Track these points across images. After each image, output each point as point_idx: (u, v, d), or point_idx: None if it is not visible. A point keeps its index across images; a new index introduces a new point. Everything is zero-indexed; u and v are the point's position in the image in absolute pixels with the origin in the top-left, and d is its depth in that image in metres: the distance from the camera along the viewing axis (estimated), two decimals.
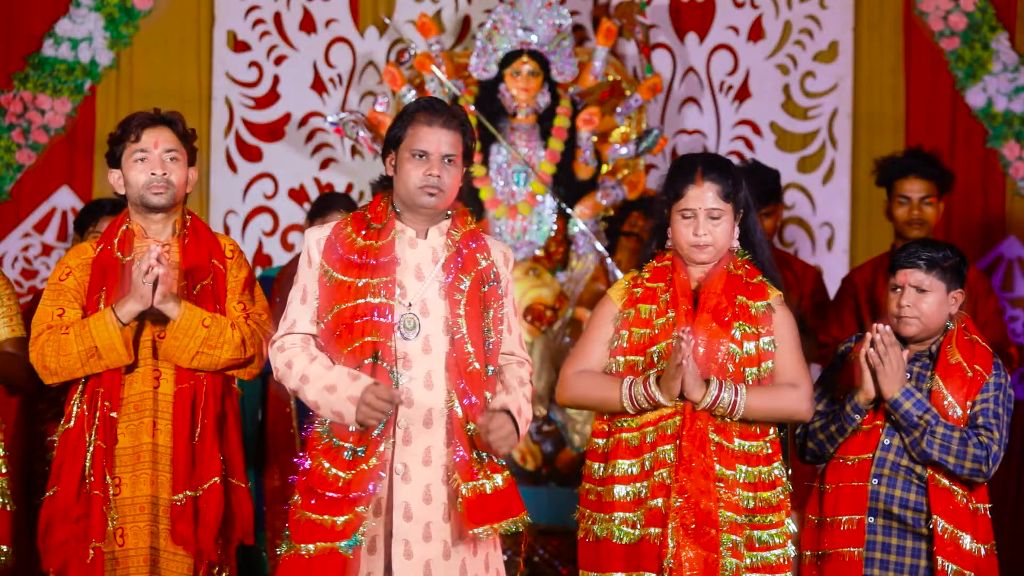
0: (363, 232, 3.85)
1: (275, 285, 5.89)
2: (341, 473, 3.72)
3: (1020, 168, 7.17)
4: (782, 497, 3.99)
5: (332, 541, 3.70)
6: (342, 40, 7.41)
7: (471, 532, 3.75)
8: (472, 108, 6.62)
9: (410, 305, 3.81)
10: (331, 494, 3.71)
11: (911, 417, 4.16)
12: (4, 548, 4.46)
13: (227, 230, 7.26)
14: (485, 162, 6.68)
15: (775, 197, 6.10)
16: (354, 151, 7.37)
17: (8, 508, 4.48)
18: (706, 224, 4.03)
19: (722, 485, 3.92)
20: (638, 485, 3.96)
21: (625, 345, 4.04)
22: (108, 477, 4.19)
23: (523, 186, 6.69)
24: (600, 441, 4.07)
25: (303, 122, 7.39)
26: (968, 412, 4.22)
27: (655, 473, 3.94)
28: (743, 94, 7.41)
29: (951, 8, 7.19)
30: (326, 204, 5.87)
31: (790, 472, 4.16)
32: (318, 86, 7.39)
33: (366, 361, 3.75)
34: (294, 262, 5.47)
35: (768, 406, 3.98)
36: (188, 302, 4.23)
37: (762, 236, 4.16)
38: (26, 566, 4.83)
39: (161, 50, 7.26)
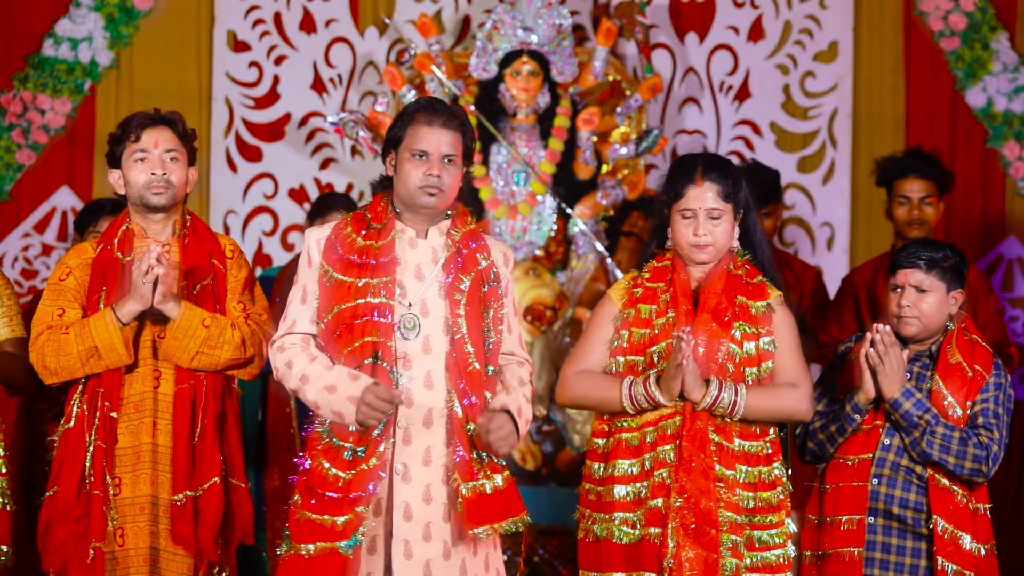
0: (363, 232, 3.85)
1: (275, 285, 5.89)
2: (341, 473, 3.72)
3: (1020, 168, 7.17)
4: (782, 497, 3.99)
5: (332, 541, 3.70)
6: (342, 40, 7.41)
7: (471, 532, 3.75)
8: (472, 108, 6.62)
9: (410, 305, 3.81)
10: (331, 494, 3.71)
11: (911, 417, 4.16)
12: (4, 548, 4.46)
13: (227, 230, 7.26)
14: (485, 162, 6.68)
15: (775, 197, 6.10)
16: (354, 151, 7.37)
17: (8, 508, 4.48)
18: (706, 224, 4.03)
19: (722, 485, 3.92)
20: (638, 485, 3.96)
21: (625, 345, 4.04)
22: (108, 477, 4.19)
23: (523, 186, 6.69)
24: (600, 441, 4.07)
25: (303, 122, 7.39)
26: (968, 412, 4.22)
27: (655, 473, 3.94)
28: (743, 94, 7.41)
29: (951, 8, 7.19)
30: (326, 204, 5.87)
31: (790, 472, 4.16)
32: (318, 86, 7.39)
33: (366, 361, 3.75)
34: (294, 262, 5.47)
35: (768, 406, 3.98)
36: (188, 302, 4.23)
37: (762, 236, 4.16)
38: (26, 566, 4.83)
39: (161, 50, 7.26)
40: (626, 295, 4.10)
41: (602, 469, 4.03)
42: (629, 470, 3.98)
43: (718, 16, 7.43)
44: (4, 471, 4.48)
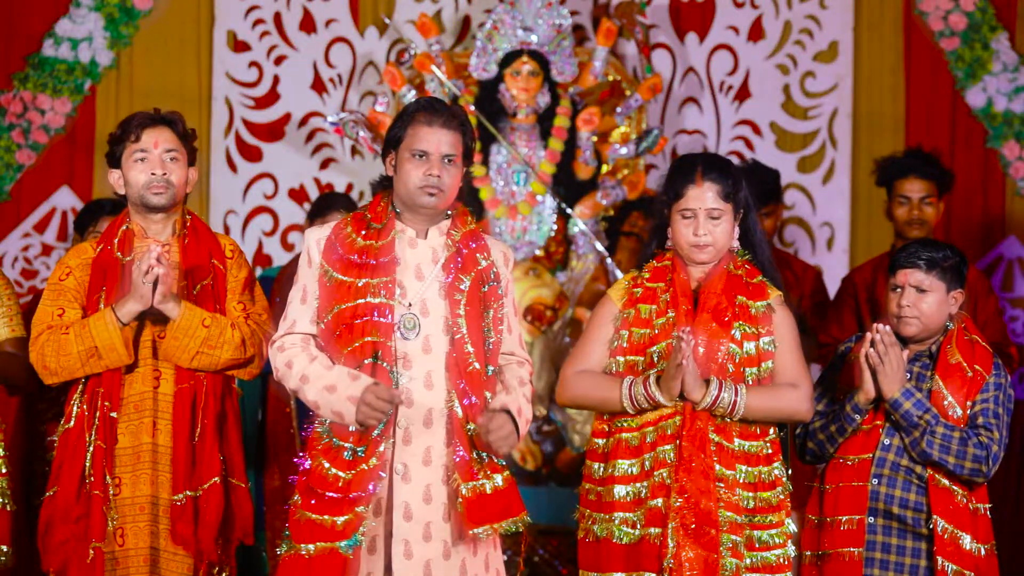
0: (363, 232, 3.85)
1: (275, 285, 5.89)
2: (341, 473, 3.72)
3: (1020, 168, 7.17)
4: (782, 497, 3.99)
5: (332, 541, 3.70)
6: (342, 40, 7.41)
7: (471, 532, 3.75)
8: (472, 108, 6.62)
9: (410, 305, 3.81)
10: (331, 494, 3.71)
11: (911, 417, 4.16)
12: (4, 548, 4.46)
13: (227, 230, 7.26)
14: (485, 162, 6.68)
15: (775, 197, 6.10)
16: (354, 151, 7.37)
17: (8, 508, 4.48)
18: (706, 224, 4.03)
19: (722, 485, 3.92)
20: (638, 485, 3.96)
21: (625, 345, 4.04)
22: (108, 477, 4.19)
23: (523, 186, 6.69)
24: (600, 441, 4.07)
25: (303, 122, 7.39)
26: (968, 412, 4.22)
27: (655, 473, 3.94)
28: (743, 94, 7.42)
29: (951, 8, 7.19)
30: (326, 204, 5.87)
31: (790, 472, 4.16)
32: (318, 86, 7.39)
33: (366, 361, 3.75)
34: (294, 262, 5.47)
35: (768, 406, 3.98)
36: (188, 302, 4.23)
37: (762, 236, 4.16)
38: (26, 566, 4.83)
39: (161, 50, 7.26)
40: (626, 295, 4.10)
41: (602, 469, 4.03)
42: (629, 470, 3.98)
43: (718, 16, 7.43)
44: (4, 471, 4.48)
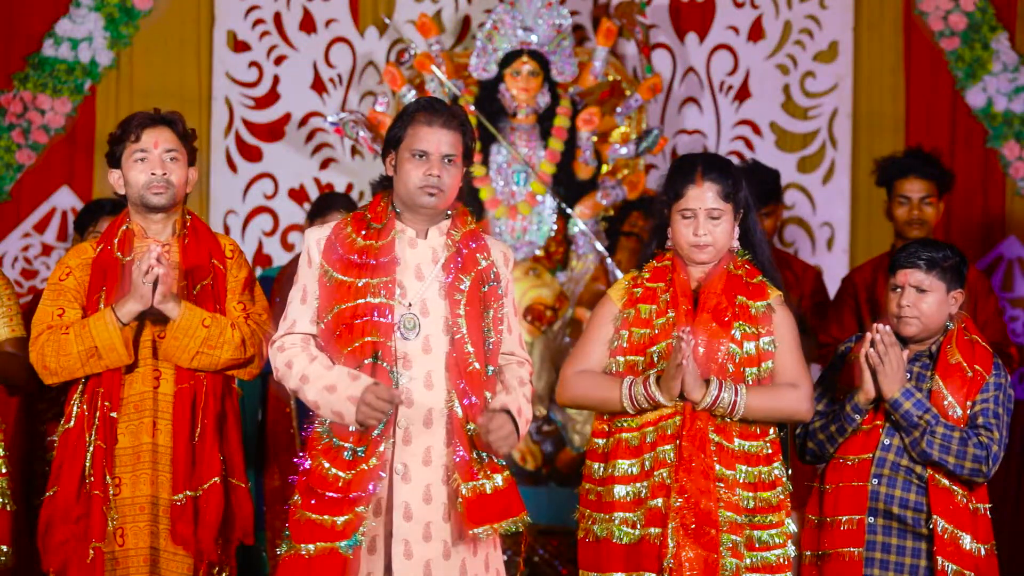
0: (363, 232, 3.85)
1: (275, 285, 5.89)
2: (341, 473, 3.72)
3: (1020, 168, 7.17)
4: (782, 497, 3.99)
5: (332, 541, 3.70)
6: (342, 40, 7.41)
7: (471, 532, 3.75)
8: (472, 108, 6.62)
9: (410, 305, 3.81)
10: (331, 494, 3.71)
11: (911, 417, 4.16)
12: (4, 548, 4.46)
13: (227, 230, 7.26)
14: (485, 162, 6.68)
15: (775, 197, 6.10)
16: (354, 151, 7.37)
17: (8, 508, 4.48)
18: (706, 224, 4.03)
19: (722, 485, 3.92)
20: (638, 485, 3.96)
21: (625, 345, 4.04)
22: (108, 477, 4.19)
23: (523, 186, 6.69)
24: (600, 441, 4.07)
25: (303, 122, 7.39)
26: (968, 412, 4.22)
27: (655, 473, 3.94)
28: (743, 94, 7.42)
29: (951, 8, 7.19)
30: (326, 204, 5.87)
31: (790, 472, 4.16)
32: (318, 86, 7.39)
33: (366, 361, 3.75)
34: (294, 262, 5.47)
35: (768, 406, 3.98)
36: (188, 302, 4.23)
37: (762, 236, 4.16)
38: (26, 566, 4.83)
39: (161, 50, 7.26)
40: (626, 295, 4.10)
41: (602, 469, 4.03)
42: (629, 470, 3.98)
43: (718, 16, 7.43)
44: (4, 471, 4.48)
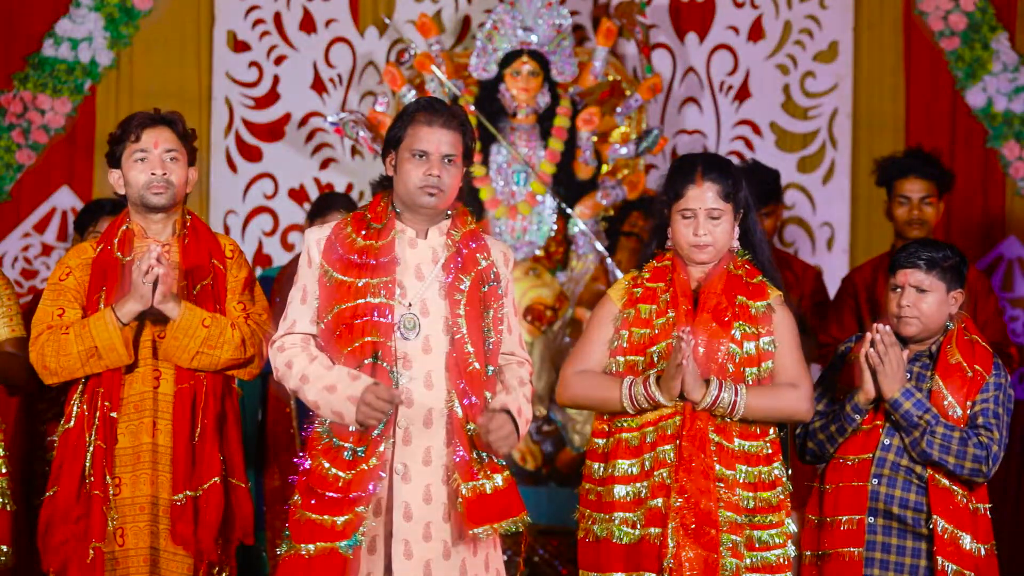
0: (363, 232, 3.85)
1: (275, 285, 5.89)
2: (341, 473, 3.72)
3: (1020, 168, 7.17)
4: (782, 497, 3.99)
5: (332, 541, 3.70)
6: (342, 40, 7.41)
7: (471, 532, 3.75)
8: (472, 108, 6.62)
9: (410, 305, 3.81)
10: (331, 494, 3.71)
11: (911, 417, 4.16)
12: (4, 548, 4.46)
13: (227, 230, 7.26)
14: (485, 162, 6.68)
15: (775, 197, 6.10)
16: (354, 151, 7.37)
17: (8, 508, 4.47)
18: (706, 224, 4.03)
19: (722, 485, 3.92)
20: (638, 485, 3.96)
21: (625, 345, 4.04)
22: (108, 477, 4.19)
23: (523, 186, 6.69)
24: (600, 441, 4.07)
25: (303, 122, 7.39)
26: (968, 412, 4.22)
27: (655, 473, 3.94)
28: (743, 94, 7.42)
29: (951, 8, 7.19)
30: (326, 204, 5.87)
31: (790, 472, 4.16)
32: (318, 86, 7.39)
33: (366, 361, 3.75)
34: (294, 262, 5.47)
35: (768, 406, 3.98)
36: (188, 302, 4.23)
37: (762, 236, 4.16)
38: (26, 566, 4.83)
39: (161, 50, 7.26)
40: (626, 295, 4.10)
41: (602, 469, 4.03)
42: (629, 470, 3.98)
43: (718, 16, 7.43)
44: (4, 471, 4.48)
